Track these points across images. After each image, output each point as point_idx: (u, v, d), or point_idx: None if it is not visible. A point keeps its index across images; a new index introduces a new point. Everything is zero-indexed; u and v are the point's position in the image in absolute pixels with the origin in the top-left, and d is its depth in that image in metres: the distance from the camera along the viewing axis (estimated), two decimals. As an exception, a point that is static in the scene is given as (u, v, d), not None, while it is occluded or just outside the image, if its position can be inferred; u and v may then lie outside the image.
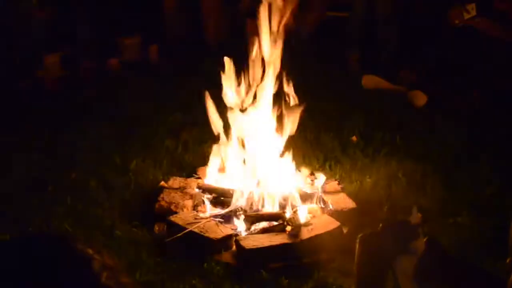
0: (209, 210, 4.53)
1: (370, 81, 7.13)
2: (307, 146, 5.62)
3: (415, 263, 2.04)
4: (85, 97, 6.77)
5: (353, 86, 7.09)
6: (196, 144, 5.65)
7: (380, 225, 2.16)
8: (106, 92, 6.91)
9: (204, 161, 5.07)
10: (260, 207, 4.49)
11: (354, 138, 5.86)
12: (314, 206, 4.56)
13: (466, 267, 2.14)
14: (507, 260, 1.68)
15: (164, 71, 7.47)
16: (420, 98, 6.70)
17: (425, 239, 2.11)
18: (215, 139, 4.86)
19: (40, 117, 6.29)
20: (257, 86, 4.64)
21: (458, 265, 2.13)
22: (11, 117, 6.29)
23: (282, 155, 4.70)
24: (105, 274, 1.52)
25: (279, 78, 4.67)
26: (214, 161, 4.85)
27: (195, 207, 4.61)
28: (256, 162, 4.68)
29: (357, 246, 2.11)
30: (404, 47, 7.34)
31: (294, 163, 4.78)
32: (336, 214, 4.50)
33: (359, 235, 2.15)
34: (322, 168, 5.30)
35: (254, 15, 4.65)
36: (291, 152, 4.73)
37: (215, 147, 4.82)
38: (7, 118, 6.26)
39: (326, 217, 4.43)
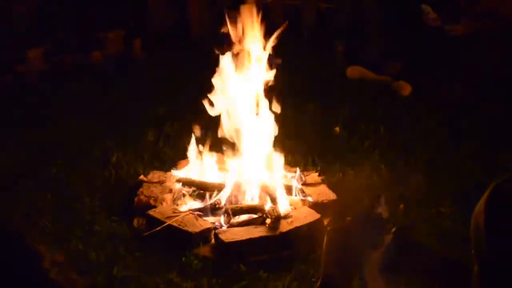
0: (189, 203, 4.50)
1: (354, 71, 7.11)
2: (290, 138, 5.58)
3: (381, 255, 2.01)
4: (67, 91, 6.72)
5: (338, 77, 7.05)
6: (177, 137, 5.60)
7: (349, 218, 2.12)
8: (88, 86, 6.86)
9: (185, 155, 5.05)
10: (240, 200, 4.46)
11: (337, 129, 5.83)
12: (294, 198, 4.53)
13: (435, 257, 2.11)
14: (472, 252, 1.65)
15: (147, 64, 7.42)
16: (405, 88, 6.68)
17: (393, 229, 2.07)
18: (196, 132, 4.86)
19: (21, 111, 6.24)
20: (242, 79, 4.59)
21: (426, 255, 2.09)
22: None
23: (263, 148, 4.67)
24: (55, 270, 1.50)
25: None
26: (193, 154, 4.83)
27: (175, 201, 4.58)
28: (236, 155, 4.66)
29: (325, 239, 2.07)
30: (389, 38, 7.30)
31: (276, 155, 4.75)
32: (317, 206, 4.47)
33: (328, 228, 2.11)
34: (304, 160, 5.27)
35: (236, 8, 4.61)
36: (273, 145, 4.70)
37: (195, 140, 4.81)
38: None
39: (306, 209, 4.39)
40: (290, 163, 5.05)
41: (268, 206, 4.34)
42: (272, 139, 4.67)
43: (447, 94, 6.28)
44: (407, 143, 5.58)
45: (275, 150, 4.72)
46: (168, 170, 5.02)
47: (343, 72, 7.12)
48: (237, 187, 4.48)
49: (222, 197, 4.44)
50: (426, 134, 5.73)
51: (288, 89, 6.23)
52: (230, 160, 4.63)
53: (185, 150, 5.05)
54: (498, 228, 1.59)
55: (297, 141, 5.55)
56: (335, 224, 2.13)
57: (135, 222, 4.43)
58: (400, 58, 7.04)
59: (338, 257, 2.03)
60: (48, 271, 1.50)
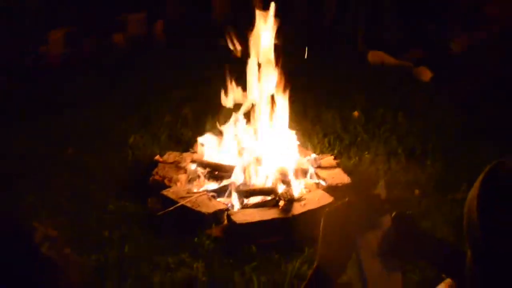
0: (203, 184, 4.51)
1: (376, 57, 7.07)
2: (308, 121, 5.58)
3: (379, 239, 2.00)
4: (88, 73, 6.75)
5: (358, 62, 7.02)
6: (195, 118, 5.62)
7: (346, 199, 2.11)
8: (110, 68, 6.89)
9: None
10: (254, 182, 4.46)
11: (355, 113, 5.80)
12: (309, 181, 4.53)
13: (435, 243, 2.10)
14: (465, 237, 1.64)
15: (168, 46, 7.43)
16: (425, 74, 6.64)
17: (393, 214, 2.06)
18: (215, 113, 4.88)
19: (42, 92, 6.28)
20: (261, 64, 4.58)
21: (426, 241, 2.08)
22: (14, 92, 6.30)
23: (280, 130, 4.67)
24: (46, 245, 1.51)
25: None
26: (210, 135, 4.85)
27: (190, 181, 4.60)
28: (252, 137, 4.66)
29: (322, 221, 2.06)
30: (411, 24, 7.27)
31: (292, 138, 4.75)
32: (331, 189, 4.46)
33: (325, 210, 2.10)
34: (321, 143, 5.26)
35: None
36: (289, 128, 4.71)
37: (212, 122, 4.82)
38: (10, 93, 6.28)
39: (320, 192, 4.38)
40: (307, 146, 5.05)
41: (281, 188, 4.34)
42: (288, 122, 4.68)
43: (466, 86, 6.23)
44: (425, 129, 5.54)
45: (292, 133, 4.74)
46: (185, 151, 5.04)
47: (364, 57, 7.08)
48: (252, 169, 4.48)
49: (236, 179, 4.45)
50: (444, 121, 5.68)
51: (308, 74, 6.23)
52: (245, 142, 4.64)
53: (202, 131, 5.07)
54: (491, 214, 1.57)
55: (315, 125, 5.55)
56: (332, 206, 2.10)
57: (149, 201, 4.45)
58: (421, 44, 7.01)
59: (334, 239, 2.01)
60: (39, 246, 1.49)
